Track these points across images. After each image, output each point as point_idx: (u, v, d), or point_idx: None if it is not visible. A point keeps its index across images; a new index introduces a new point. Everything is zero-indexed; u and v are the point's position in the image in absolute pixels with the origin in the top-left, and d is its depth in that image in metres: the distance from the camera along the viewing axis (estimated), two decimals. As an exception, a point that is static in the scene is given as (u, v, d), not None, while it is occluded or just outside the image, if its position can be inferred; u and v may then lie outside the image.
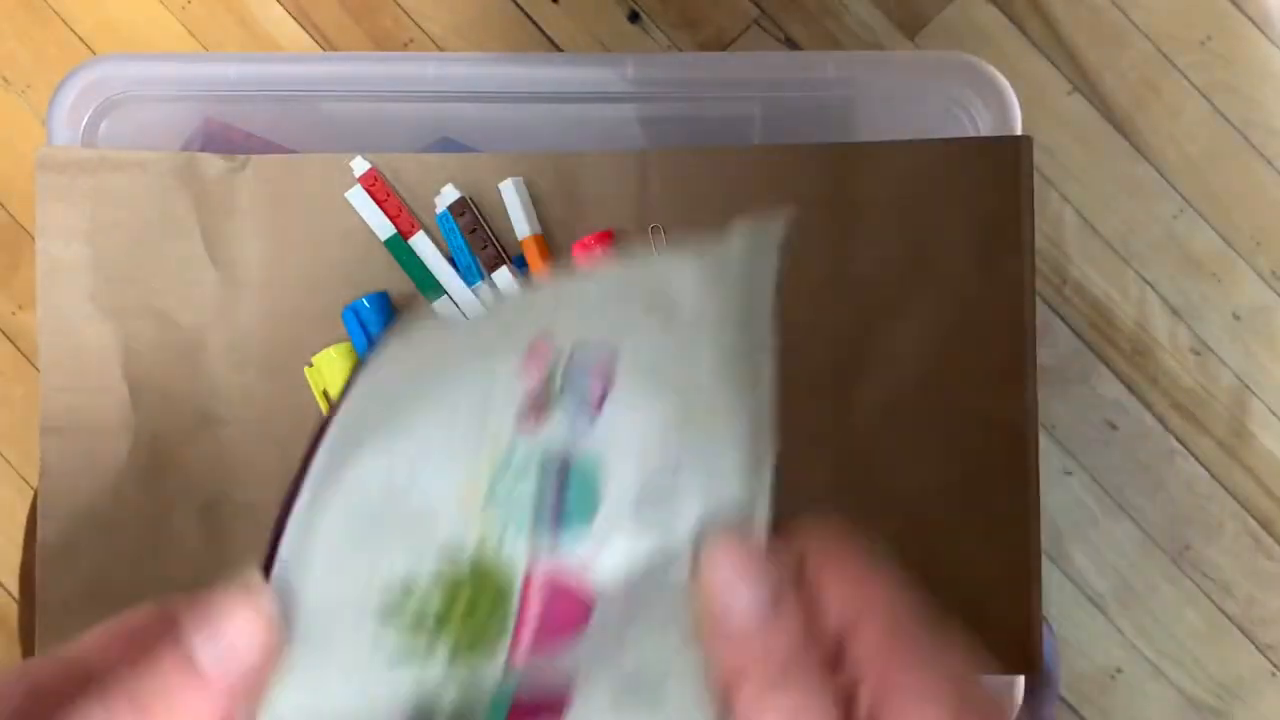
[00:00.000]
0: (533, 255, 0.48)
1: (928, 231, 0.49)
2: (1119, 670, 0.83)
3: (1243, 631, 0.83)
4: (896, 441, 0.49)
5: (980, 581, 0.48)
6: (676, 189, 0.49)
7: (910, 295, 0.49)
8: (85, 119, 0.50)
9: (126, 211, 0.49)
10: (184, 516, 0.49)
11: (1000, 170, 0.49)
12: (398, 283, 0.49)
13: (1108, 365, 0.84)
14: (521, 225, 0.48)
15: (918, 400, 0.49)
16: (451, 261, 0.48)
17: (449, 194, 0.48)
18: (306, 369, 0.49)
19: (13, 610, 0.80)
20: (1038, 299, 0.84)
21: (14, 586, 0.79)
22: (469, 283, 0.48)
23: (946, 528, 0.49)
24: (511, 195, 0.48)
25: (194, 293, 0.49)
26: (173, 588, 0.48)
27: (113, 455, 0.48)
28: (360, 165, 0.48)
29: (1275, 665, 0.83)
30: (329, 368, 0.48)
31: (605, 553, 0.24)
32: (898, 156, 0.49)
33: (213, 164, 0.49)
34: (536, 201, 0.49)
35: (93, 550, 0.48)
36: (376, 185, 0.48)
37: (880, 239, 0.49)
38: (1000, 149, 0.49)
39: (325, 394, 0.49)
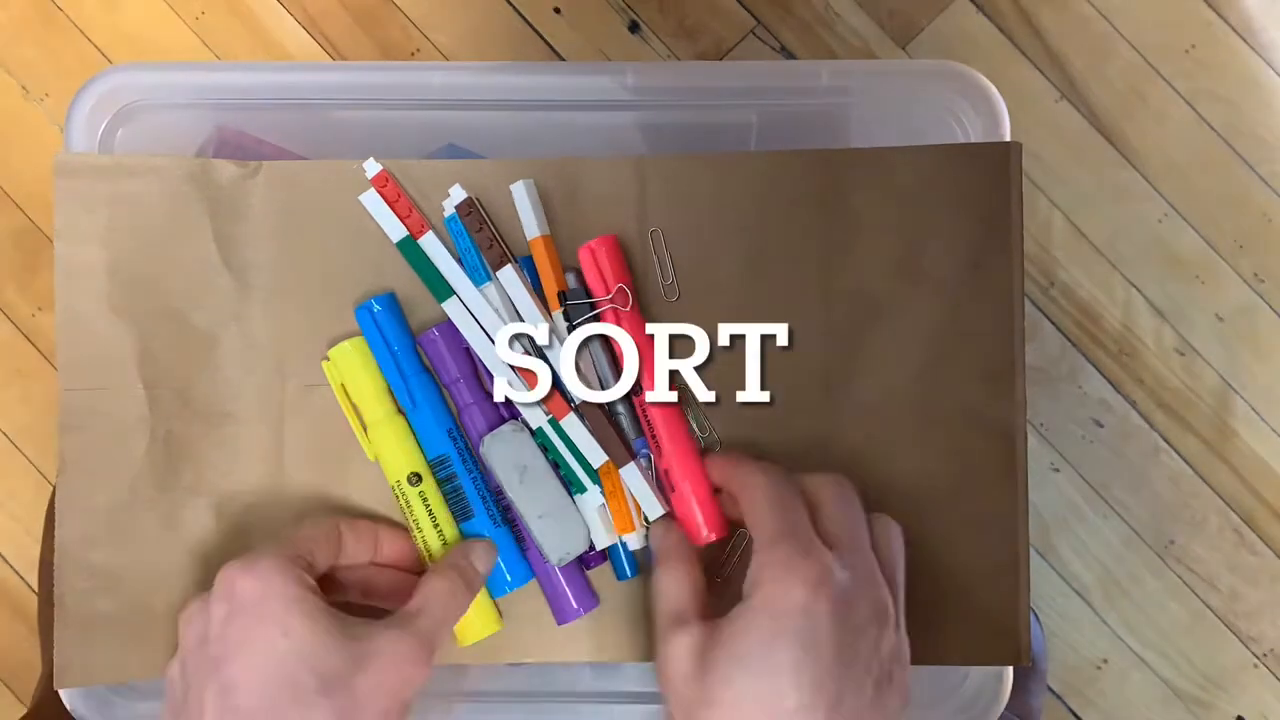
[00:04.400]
0: (540, 256, 0.49)
1: (920, 235, 0.49)
2: (1105, 661, 0.84)
3: (1226, 624, 0.84)
4: (889, 439, 0.49)
5: (970, 574, 0.49)
6: (675, 193, 0.49)
7: (903, 297, 0.49)
8: (102, 126, 0.50)
9: (142, 216, 0.49)
10: (198, 513, 0.49)
11: (990, 175, 0.49)
12: (405, 284, 0.49)
13: (1094, 365, 0.85)
14: (531, 226, 0.48)
15: (910, 399, 0.49)
16: (460, 262, 0.49)
17: (456, 194, 0.48)
18: (324, 363, 0.49)
19: (33, 602, 0.80)
20: (1026, 301, 0.85)
21: (34, 580, 0.80)
22: (476, 283, 0.49)
23: (938, 522, 0.49)
24: (522, 196, 0.48)
25: (208, 294, 0.49)
26: (187, 582, 0.49)
27: (129, 453, 0.49)
28: (372, 167, 0.49)
29: (1258, 656, 0.84)
30: (345, 361, 0.49)
31: None
32: (890, 162, 0.49)
33: (226, 169, 0.49)
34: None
35: (109, 545, 0.49)
36: (388, 186, 0.49)
37: (873, 242, 0.49)
38: (990, 154, 0.49)
39: (343, 387, 0.49)
